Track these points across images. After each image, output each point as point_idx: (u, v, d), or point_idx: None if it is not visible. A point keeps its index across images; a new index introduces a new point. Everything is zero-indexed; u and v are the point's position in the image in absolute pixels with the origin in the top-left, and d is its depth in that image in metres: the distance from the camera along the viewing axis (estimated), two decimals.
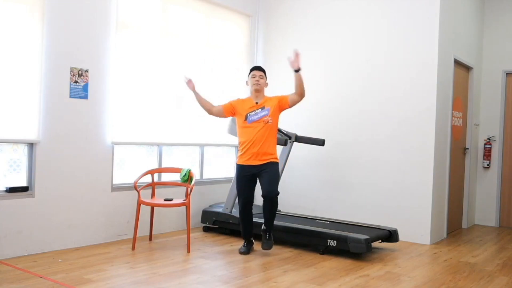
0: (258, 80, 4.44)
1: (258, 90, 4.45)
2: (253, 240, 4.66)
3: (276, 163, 4.44)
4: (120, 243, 4.75)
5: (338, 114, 5.82)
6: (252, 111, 4.40)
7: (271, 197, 4.28)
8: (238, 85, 6.27)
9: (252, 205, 4.49)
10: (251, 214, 4.51)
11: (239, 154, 4.47)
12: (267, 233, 4.46)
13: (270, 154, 4.39)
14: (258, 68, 4.53)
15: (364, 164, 5.62)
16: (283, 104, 4.43)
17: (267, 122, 4.36)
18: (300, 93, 4.36)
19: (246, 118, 4.39)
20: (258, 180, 4.44)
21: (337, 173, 5.83)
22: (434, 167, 5.22)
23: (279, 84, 6.28)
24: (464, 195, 6.37)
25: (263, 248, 4.44)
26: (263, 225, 4.47)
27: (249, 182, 4.42)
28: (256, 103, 4.43)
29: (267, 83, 4.55)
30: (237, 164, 4.48)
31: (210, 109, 4.55)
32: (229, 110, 4.52)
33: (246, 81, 4.56)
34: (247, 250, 4.51)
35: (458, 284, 3.77)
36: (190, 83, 4.55)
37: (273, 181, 4.32)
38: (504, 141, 6.55)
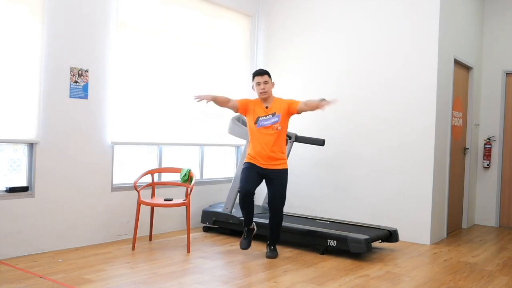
0: (264, 88, 4.33)
1: (266, 98, 4.39)
2: (254, 227, 4.55)
3: (286, 171, 4.39)
4: (120, 243, 4.75)
5: (337, 114, 5.82)
6: (263, 116, 4.33)
7: (277, 210, 4.34)
8: (238, 85, 6.28)
9: (253, 197, 4.32)
10: (253, 203, 4.37)
11: (248, 153, 4.43)
12: (272, 246, 4.48)
13: (280, 158, 4.36)
14: (260, 73, 4.37)
15: (364, 164, 5.62)
16: (292, 110, 4.36)
17: (277, 129, 4.31)
18: (311, 110, 4.28)
19: (256, 122, 4.34)
20: (264, 182, 4.41)
21: (337, 173, 5.83)
22: (434, 167, 5.22)
23: (279, 84, 6.29)
24: (464, 195, 6.37)
25: (268, 257, 4.41)
26: (268, 239, 4.49)
27: (256, 174, 4.33)
28: (266, 107, 4.37)
29: (273, 83, 4.44)
30: (246, 161, 4.42)
31: (225, 104, 4.38)
32: (243, 107, 4.40)
33: (252, 86, 4.45)
34: (248, 242, 4.46)
35: (458, 284, 3.77)
36: (204, 98, 4.27)
37: (282, 195, 4.35)
38: (504, 141, 6.55)
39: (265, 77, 4.36)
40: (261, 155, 4.32)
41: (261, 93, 4.36)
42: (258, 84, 4.36)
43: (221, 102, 4.40)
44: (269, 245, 4.50)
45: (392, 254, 4.72)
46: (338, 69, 5.86)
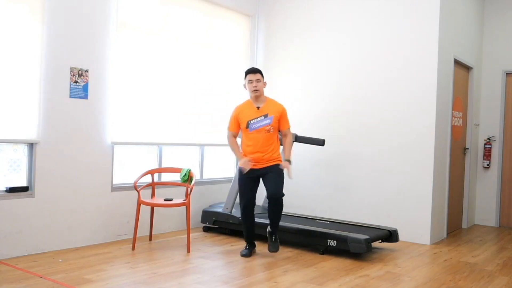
0: (255, 86, 4.34)
1: (257, 96, 4.39)
2: (255, 243, 4.63)
3: (280, 165, 4.41)
4: (120, 243, 4.75)
5: (338, 114, 5.82)
6: (254, 119, 4.32)
7: (276, 199, 4.27)
8: (238, 85, 6.27)
9: (254, 207, 4.45)
10: (253, 216, 4.48)
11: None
12: (273, 235, 4.44)
13: (273, 158, 4.37)
14: (253, 71, 4.39)
15: (364, 164, 5.62)
16: (279, 124, 4.41)
17: (269, 131, 4.31)
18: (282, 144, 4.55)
19: (247, 126, 4.33)
20: (262, 181, 4.42)
21: (337, 173, 5.83)
22: (434, 167, 5.21)
23: (279, 84, 6.29)
24: (464, 195, 6.37)
25: (270, 250, 4.41)
26: (269, 227, 4.45)
27: (252, 184, 4.39)
28: (258, 107, 4.36)
29: (265, 83, 4.45)
30: (240, 167, 4.44)
31: (236, 139, 4.52)
32: (237, 127, 4.44)
33: (244, 85, 4.47)
34: (249, 253, 4.46)
35: (458, 284, 3.77)
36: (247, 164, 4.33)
37: (278, 183, 4.30)
38: (504, 141, 6.55)
39: (258, 75, 4.38)
40: (255, 158, 4.32)
41: (253, 90, 4.36)
42: (251, 81, 4.37)
43: (236, 144, 4.48)
44: (270, 234, 4.42)
45: (392, 254, 4.72)
46: (338, 69, 5.86)
